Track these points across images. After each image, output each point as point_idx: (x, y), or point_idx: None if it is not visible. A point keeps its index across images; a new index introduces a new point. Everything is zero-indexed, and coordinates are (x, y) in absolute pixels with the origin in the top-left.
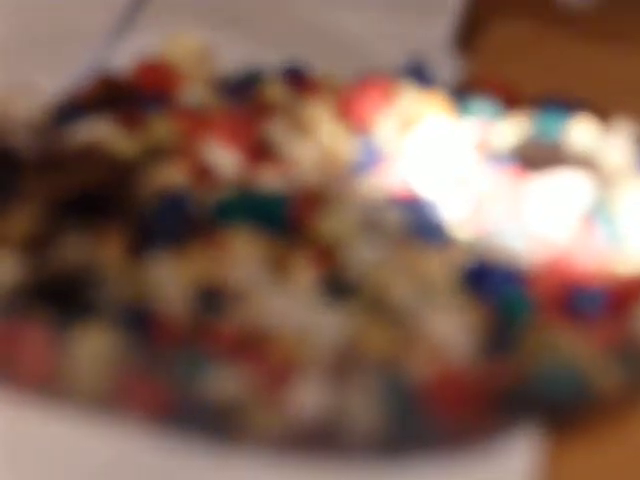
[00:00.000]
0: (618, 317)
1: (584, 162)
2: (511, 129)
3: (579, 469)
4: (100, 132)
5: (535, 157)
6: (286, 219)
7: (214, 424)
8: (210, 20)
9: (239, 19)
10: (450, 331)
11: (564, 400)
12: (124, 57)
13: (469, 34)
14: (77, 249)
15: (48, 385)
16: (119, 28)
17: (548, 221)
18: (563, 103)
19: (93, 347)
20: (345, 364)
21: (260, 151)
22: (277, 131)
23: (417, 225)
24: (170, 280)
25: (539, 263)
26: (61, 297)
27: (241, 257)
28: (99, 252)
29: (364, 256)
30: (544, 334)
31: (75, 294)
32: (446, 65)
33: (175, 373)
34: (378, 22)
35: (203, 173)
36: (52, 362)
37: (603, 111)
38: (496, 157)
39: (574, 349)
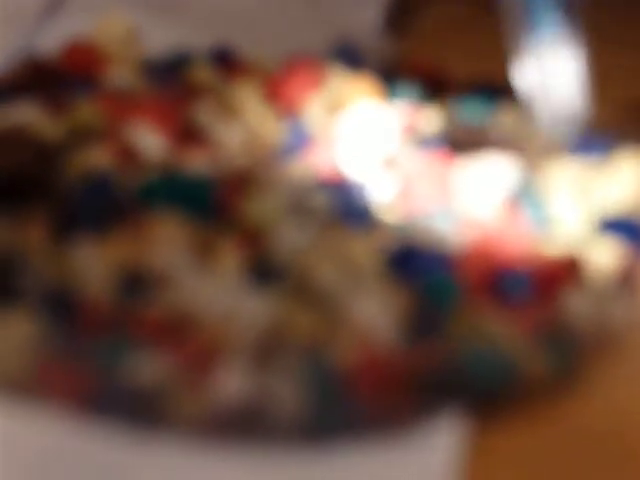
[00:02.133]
0: (545, 300)
1: (511, 145)
2: (439, 112)
3: (504, 454)
4: (25, 115)
5: (462, 140)
6: (212, 202)
7: (138, 410)
8: (138, 4)
9: (167, 3)
10: (375, 315)
11: (490, 384)
12: (52, 40)
13: (401, 17)
14: (0, 233)
15: None
16: (47, 11)
17: (474, 204)
18: (490, 86)
19: (16, 333)
20: (269, 349)
21: (187, 134)
22: (204, 114)
23: (344, 208)
24: (94, 265)
25: (466, 246)
26: None
27: (166, 241)
28: (22, 236)
29: (290, 240)
30: (470, 318)
31: None
32: (376, 48)
33: (98, 359)
34: (308, 5)
35: (129, 156)
36: None
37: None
38: (423, 140)
39: (500, 332)
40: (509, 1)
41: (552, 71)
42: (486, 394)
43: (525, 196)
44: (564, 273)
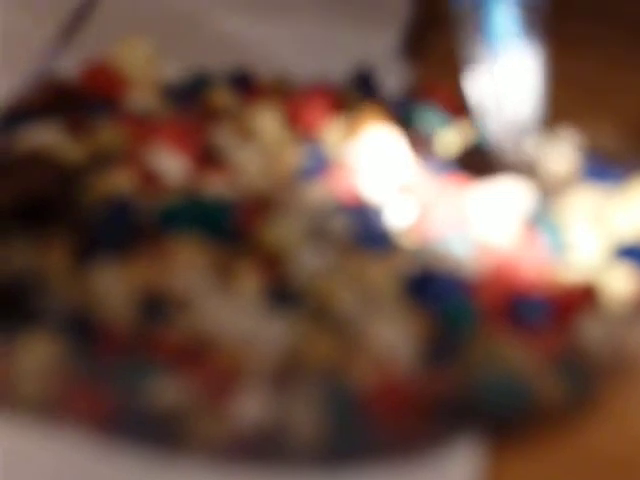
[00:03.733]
0: (561, 326)
1: (527, 170)
2: (455, 137)
3: (520, 479)
4: (46, 138)
5: (478, 165)
6: (232, 226)
7: (158, 432)
8: (158, 28)
9: (187, 29)
10: (393, 340)
11: (506, 409)
12: (72, 63)
13: (417, 43)
14: (22, 256)
15: None
16: (67, 34)
17: (491, 229)
18: None
19: (37, 355)
20: (288, 372)
21: (207, 157)
22: (224, 137)
23: (362, 233)
24: (114, 288)
25: (482, 271)
26: (5, 304)
27: (186, 264)
28: (44, 259)
29: (309, 264)
30: (487, 343)
31: (19, 301)
32: (393, 74)
33: (119, 381)
34: (327, 32)
35: (149, 179)
36: None
37: (548, 120)
38: (440, 165)
39: (517, 358)
40: (465, 8)
41: (505, 79)
42: (502, 419)
43: (542, 222)
44: (580, 300)
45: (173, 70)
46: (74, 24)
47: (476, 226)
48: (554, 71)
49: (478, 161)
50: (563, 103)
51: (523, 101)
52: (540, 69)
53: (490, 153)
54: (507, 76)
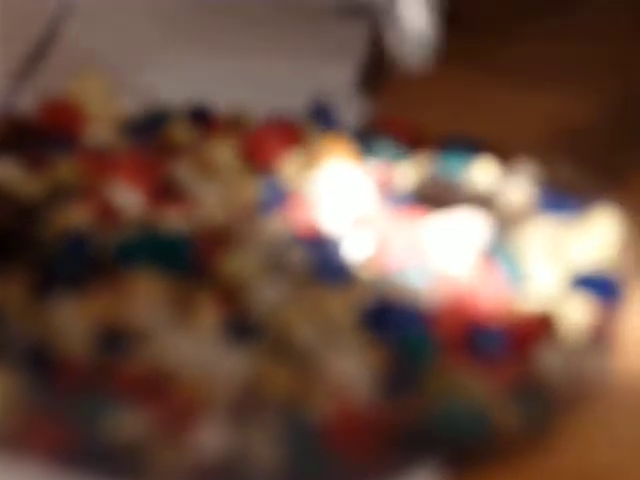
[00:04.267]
0: (519, 355)
1: (484, 202)
2: (413, 169)
3: None
4: (5, 172)
5: (436, 197)
6: (190, 259)
7: (119, 465)
8: (114, 63)
9: (144, 60)
10: (351, 371)
11: (465, 437)
12: (30, 98)
13: (375, 76)
14: None
15: None
16: (24, 71)
17: (448, 260)
18: (465, 144)
19: None
20: (247, 404)
21: (165, 192)
22: (182, 172)
23: (320, 265)
24: (73, 321)
25: (440, 302)
26: None
27: (144, 298)
28: (2, 292)
29: (267, 296)
30: (445, 373)
31: None
32: (351, 107)
33: (78, 414)
34: (284, 66)
35: (107, 213)
36: None
37: (504, 152)
38: (398, 197)
39: (475, 387)
40: None
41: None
42: (462, 447)
43: (499, 253)
44: (537, 329)
45: (129, 104)
46: (31, 61)
47: (434, 257)
48: (513, 107)
49: (436, 193)
50: (520, 137)
51: (422, 17)
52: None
53: (448, 185)
54: None
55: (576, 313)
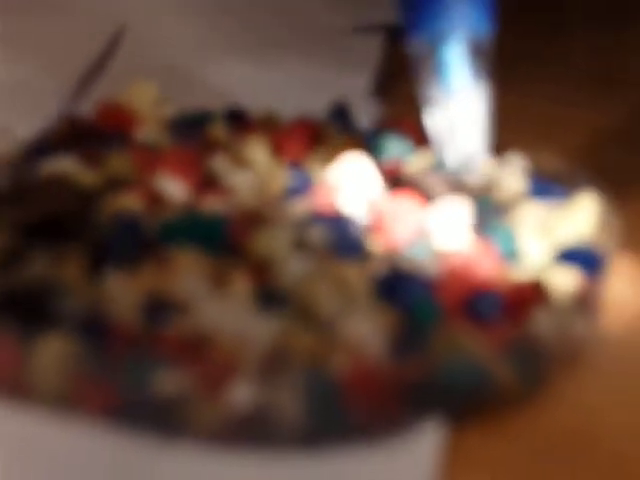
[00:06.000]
0: (514, 318)
1: (483, 190)
2: (418, 163)
3: (479, 454)
4: (67, 166)
5: (438, 187)
6: (226, 239)
7: (161, 419)
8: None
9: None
10: (366, 334)
11: (466, 391)
12: (89, 104)
13: (386, 84)
14: (42, 267)
15: (14, 387)
16: (85, 82)
17: (448, 238)
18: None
19: (54, 352)
20: (275, 364)
21: (205, 182)
22: (220, 164)
23: (339, 242)
24: (123, 293)
25: (443, 273)
26: (28, 308)
27: (185, 273)
28: (62, 268)
29: (293, 270)
30: (448, 334)
31: (39, 306)
32: (365, 110)
33: (126, 375)
34: (310, 76)
35: (155, 201)
36: (17, 366)
37: (499, 147)
38: (404, 185)
39: (475, 347)
40: (421, 54)
41: (458, 114)
42: (463, 401)
43: (495, 232)
44: (531, 295)
45: (174, 110)
46: (91, 73)
47: (435, 235)
48: (504, 106)
49: (438, 183)
50: (512, 133)
51: (473, 132)
52: (488, 105)
53: (449, 176)
54: (460, 112)
55: (564, 282)
